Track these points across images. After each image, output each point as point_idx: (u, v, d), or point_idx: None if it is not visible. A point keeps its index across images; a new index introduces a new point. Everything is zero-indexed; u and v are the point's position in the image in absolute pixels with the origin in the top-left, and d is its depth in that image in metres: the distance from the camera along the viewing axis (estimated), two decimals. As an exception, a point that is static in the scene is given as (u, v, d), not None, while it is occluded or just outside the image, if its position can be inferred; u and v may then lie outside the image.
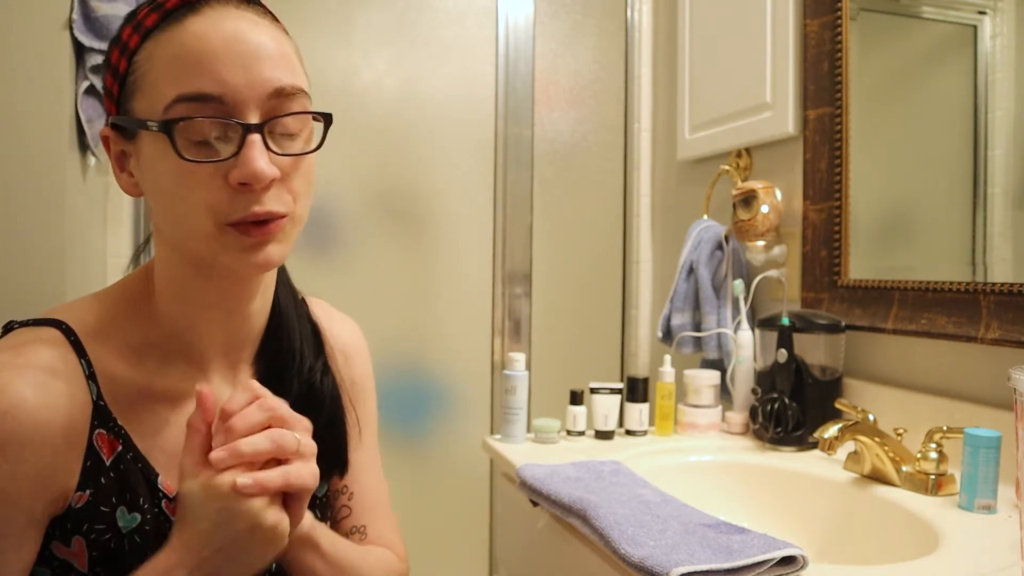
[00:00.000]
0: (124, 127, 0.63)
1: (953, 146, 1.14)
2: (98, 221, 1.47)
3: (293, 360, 0.75)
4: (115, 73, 0.63)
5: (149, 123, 0.58)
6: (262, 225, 0.60)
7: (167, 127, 0.57)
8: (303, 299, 0.81)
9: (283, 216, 0.61)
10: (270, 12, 0.65)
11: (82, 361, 0.61)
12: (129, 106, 0.62)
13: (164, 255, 0.66)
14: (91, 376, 0.61)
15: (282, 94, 0.60)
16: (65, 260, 1.15)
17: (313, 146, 0.64)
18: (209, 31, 0.58)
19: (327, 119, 0.64)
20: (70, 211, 1.18)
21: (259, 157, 0.58)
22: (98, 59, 1.17)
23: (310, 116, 0.63)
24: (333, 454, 0.78)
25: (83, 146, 1.23)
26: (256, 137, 0.58)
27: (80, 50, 1.17)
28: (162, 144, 0.58)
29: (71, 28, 1.14)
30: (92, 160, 1.29)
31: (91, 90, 1.19)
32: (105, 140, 0.65)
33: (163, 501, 0.64)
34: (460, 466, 1.85)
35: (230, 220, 0.59)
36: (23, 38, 1.04)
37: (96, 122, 1.22)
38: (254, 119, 0.59)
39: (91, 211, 1.38)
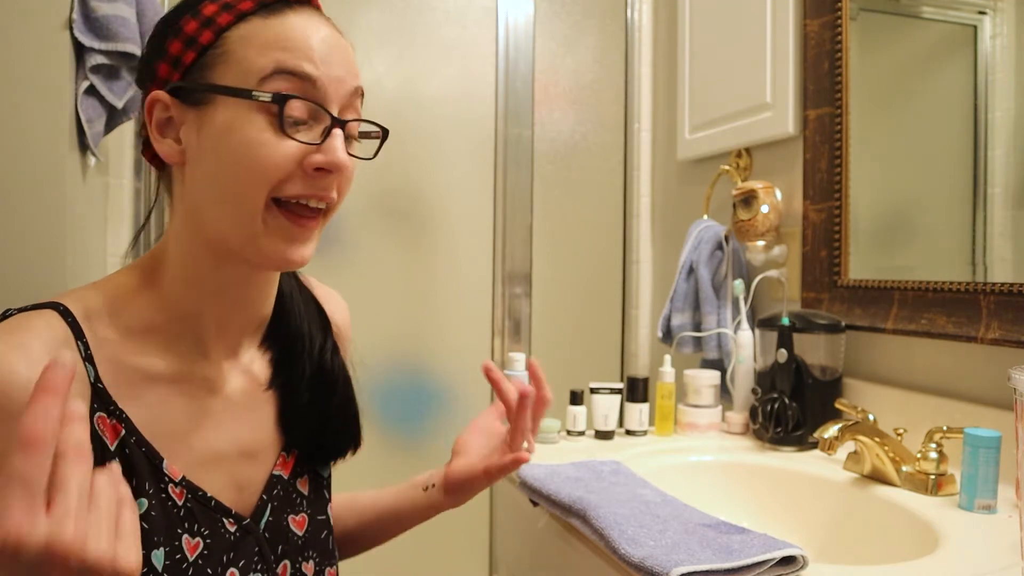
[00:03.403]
0: (190, 91, 0.62)
1: (953, 146, 1.14)
2: (98, 221, 1.47)
3: (303, 343, 0.76)
4: (190, 42, 0.63)
5: (256, 93, 0.61)
6: (304, 219, 0.64)
7: (279, 99, 0.60)
8: (308, 290, 0.83)
9: (324, 212, 0.66)
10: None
11: (79, 343, 0.60)
12: (207, 75, 0.62)
13: (185, 235, 0.66)
14: (88, 358, 0.60)
15: (356, 94, 0.66)
16: (65, 260, 1.15)
17: (371, 154, 0.70)
18: (309, 26, 0.63)
19: (385, 133, 0.71)
20: (70, 211, 1.18)
21: (342, 148, 0.63)
22: (98, 59, 1.17)
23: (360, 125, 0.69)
24: (348, 433, 0.80)
25: (83, 146, 1.23)
26: (339, 131, 0.64)
27: (80, 50, 1.17)
28: (245, 114, 0.61)
29: (71, 28, 1.14)
30: (92, 160, 1.29)
31: (91, 90, 1.19)
32: (151, 104, 0.64)
33: (169, 486, 0.63)
34: (460, 466, 1.84)
35: (285, 195, 0.62)
36: (23, 38, 1.04)
37: (96, 122, 1.22)
38: (336, 114, 0.64)
39: (91, 211, 1.38)
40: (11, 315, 0.61)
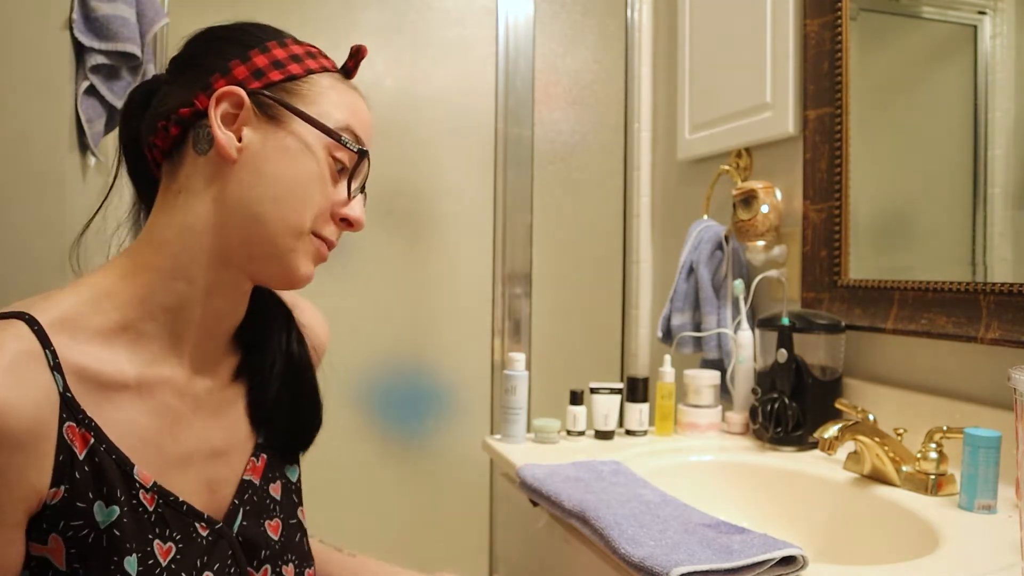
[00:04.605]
0: (277, 106, 0.67)
1: (953, 146, 1.14)
2: (98, 221, 1.46)
3: (271, 334, 0.77)
4: (278, 65, 0.69)
5: (344, 138, 0.69)
6: (327, 249, 0.73)
7: (363, 154, 0.71)
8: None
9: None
10: None
11: (47, 352, 0.59)
12: (290, 100, 0.69)
13: (197, 226, 0.66)
14: (56, 367, 0.59)
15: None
16: (65, 260, 1.15)
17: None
18: (365, 106, 0.74)
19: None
20: (70, 211, 1.18)
21: (363, 210, 0.74)
22: (98, 59, 1.17)
23: None
24: (315, 419, 0.81)
25: (83, 146, 1.23)
26: (362, 196, 0.74)
27: (80, 50, 1.17)
28: (317, 147, 0.69)
29: (71, 28, 1.14)
30: (92, 160, 1.29)
31: (91, 90, 1.19)
32: (222, 95, 0.66)
33: (140, 492, 0.63)
34: (460, 466, 1.85)
35: (318, 232, 0.70)
36: (23, 38, 1.04)
37: (96, 122, 1.22)
38: None
39: (91, 211, 1.37)
40: None
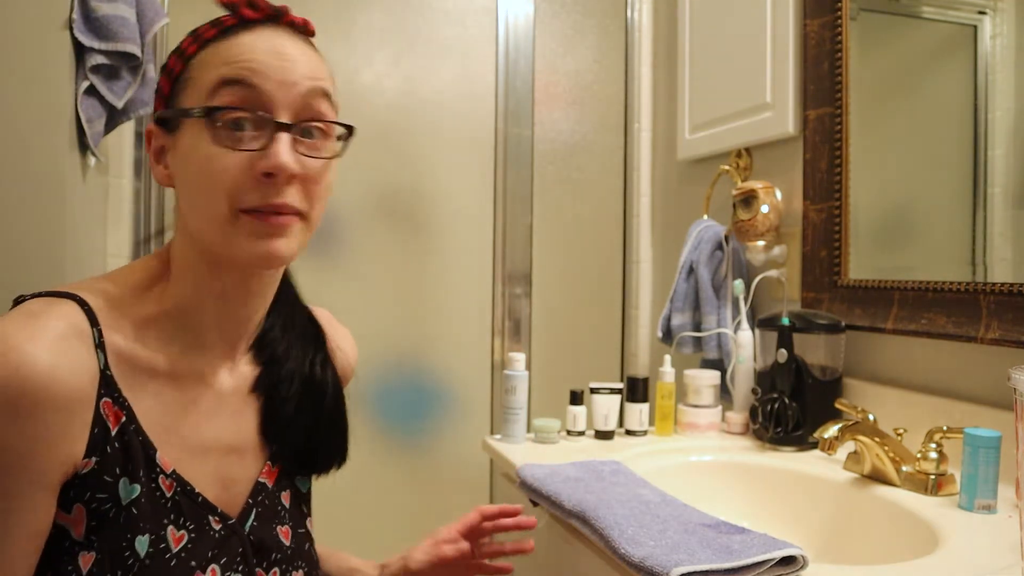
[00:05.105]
0: (167, 119, 0.68)
1: (953, 146, 1.14)
2: (98, 221, 1.47)
3: (291, 352, 0.78)
4: (169, 74, 0.69)
5: (193, 110, 0.64)
6: (275, 216, 0.65)
7: (209, 112, 0.64)
8: (305, 307, 0.85)
9: (298, 213, 0.66)
10: (312, 44, 0.72)
11: (94, 330, 0.63)
12: (176, 101, 0.68)
13: (183, 243, 0.70)
14: (100, 346, 0.63)
15: (314, 95, 0.67)
16: (65, 260, 1.15)
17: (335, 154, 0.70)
18: (257, 41, 0.66)
19: (349, 130, 0.70)
20: (70, 211, 1.18)
21: (285, 151, 0.64)
22: (98, 59, 1.17)
23: (335, 126, 0.69)
24: (334, 448, 0.82)
25: (83, 146, 1.23)
26: (285, 135, 0.64)
27: (80, 50, 1.17)
28: (199, 133, 0.64)
29: (71, 28, 1.14)
30: (92, 160, 1.29)
31: (91, 90, 1.19)
32: (148, 135, 0.70)
33: (160, 476, 0.66)
34: (460, 466, 1.85)
35: (245, 206, 0.64)
36: (23, 38, 1.04)
37: (96, 122, 1.22)
38: (285, 119, 0.65)
39: (91, 211, 1.38)
40: (25, 300, 0.64)
